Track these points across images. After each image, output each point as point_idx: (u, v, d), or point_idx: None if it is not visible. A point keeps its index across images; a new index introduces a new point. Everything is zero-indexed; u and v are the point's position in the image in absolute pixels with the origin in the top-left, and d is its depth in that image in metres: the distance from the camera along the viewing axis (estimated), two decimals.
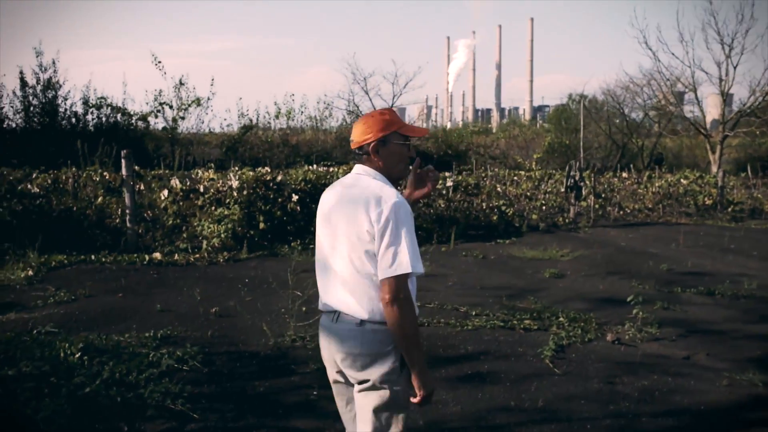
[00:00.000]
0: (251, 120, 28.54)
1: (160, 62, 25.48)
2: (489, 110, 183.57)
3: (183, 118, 25.66)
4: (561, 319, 7.00)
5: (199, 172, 12.78)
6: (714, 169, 20.63)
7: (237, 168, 15.31)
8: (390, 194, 2.56)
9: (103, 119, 25.24)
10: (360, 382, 2.67)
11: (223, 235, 10.91)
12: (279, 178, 12.33)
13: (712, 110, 21.27)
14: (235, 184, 11.70)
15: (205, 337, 6.33)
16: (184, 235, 11.04)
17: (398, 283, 2.49)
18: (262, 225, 11.84)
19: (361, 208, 2.55)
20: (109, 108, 25.18)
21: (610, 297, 8.14)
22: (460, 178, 14.92)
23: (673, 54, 27.12)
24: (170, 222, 11.73)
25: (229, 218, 11.16)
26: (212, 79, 26.81)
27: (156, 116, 25.53)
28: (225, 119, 56.85)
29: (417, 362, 2.57)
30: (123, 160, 11.06)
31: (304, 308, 7.16)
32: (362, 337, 2.61)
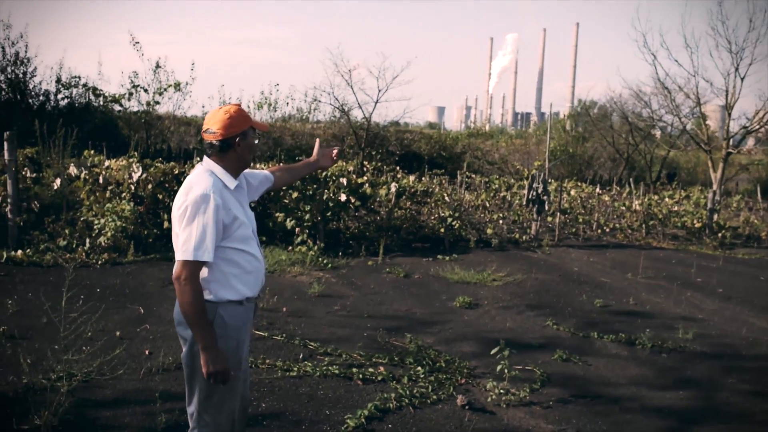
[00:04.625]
0: None
1: (137, 43, 24.31)
2: (529, 114, 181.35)
3: (158, 103, 24.41)
4: (419, 369, 5.67)
5: (109, 162, 11.58)
6: (715, 188, 18.89)
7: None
8: (200, 188, 2.76)
9: (75, 99, 24.18)
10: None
11: (109, 234, 9.67)
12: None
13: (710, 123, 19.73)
14: (136, 176, 10.47)
15: None
16: (66, 231, 9.80)
17: (182, 266, 2.73)
18: (167, 224, 10.63)
19: (178, 197, 2.85)
20: (83, 88, 24.12)
21: (512, 339, 6.73)
22: (406, 182, 13.48)
23: (676, 61, 25.85)
24: (85, 214, 10.48)
25: (122, 214, 9.92)
26: (192, 63, 25.57)
27: (130, 99, 24.31)
28: (204, 106, 55.19)
29: (199, 339, 2.76)
30: (5, 143, 9.76)
31: (117, 332, 5.92)
32: (177, 308, 2.91)
